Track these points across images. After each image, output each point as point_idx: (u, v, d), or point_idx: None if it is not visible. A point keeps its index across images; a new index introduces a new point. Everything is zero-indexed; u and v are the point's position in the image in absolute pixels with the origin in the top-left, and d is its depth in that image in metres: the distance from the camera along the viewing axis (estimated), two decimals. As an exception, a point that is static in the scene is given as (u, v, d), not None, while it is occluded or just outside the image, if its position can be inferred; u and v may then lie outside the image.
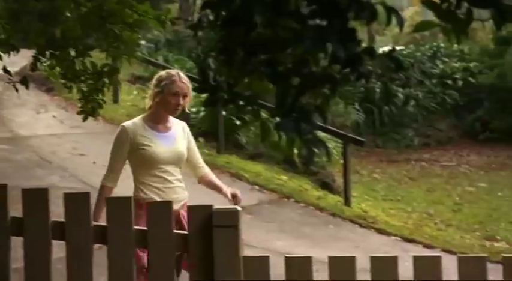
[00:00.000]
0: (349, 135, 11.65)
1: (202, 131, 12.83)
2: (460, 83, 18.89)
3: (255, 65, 1.77)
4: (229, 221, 3.01)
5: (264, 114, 11.70)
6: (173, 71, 4.84)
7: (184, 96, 4.68)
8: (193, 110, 12.84)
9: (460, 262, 2.98)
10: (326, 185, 11.87)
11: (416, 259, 3.02)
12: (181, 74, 4.78)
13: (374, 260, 3.05)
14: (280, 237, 8.75)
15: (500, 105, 18.27)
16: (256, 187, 10.55)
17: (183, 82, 4.72)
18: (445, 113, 18.79)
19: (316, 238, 8.94)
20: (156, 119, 4.72)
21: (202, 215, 3.07)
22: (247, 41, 1.74)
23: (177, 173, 4.71)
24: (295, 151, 11.96)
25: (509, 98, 18.10)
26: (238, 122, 12.47)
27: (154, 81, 4.79)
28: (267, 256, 3.10)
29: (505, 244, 9.98)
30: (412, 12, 21.51)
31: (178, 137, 4.75)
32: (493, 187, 14.33)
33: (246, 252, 3.19)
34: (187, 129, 4.89)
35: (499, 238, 10.38)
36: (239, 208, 3.10)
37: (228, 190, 4.76)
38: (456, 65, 19.27)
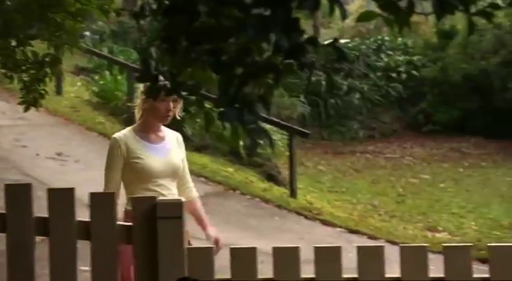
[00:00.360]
0: (295, 127, 11.72)
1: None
2: (404, 76, 19.11)
3: (198, 54, 1.77)
4: (173, 212, 3.00)
5: (207, 105, 11.67)
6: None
7: (174, 101, 4.35)
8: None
9: (402, 251, 3.01)
10: (272, 177, 11.92)
11: (360, 249, 3.05)
12: None
13: (318, 250, 3.07)
14: (226, 229, 8.75)
15: (443, 98, 18.55)
16: (202, 179, 10.53)
17: None
18: (389, 106, 19.00)
19: (261, 229, 8.98)
20: (146, 129, 4.41)
21: (146, 206, 3.05)
22: (190, 30, 1.73)
23: (173, 187, 4.41)
24: (241, 142, 11.97)
25: (451, 91, 18.39)
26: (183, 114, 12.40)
27: (141, 87, 4.44)
28: (211, 247, 3.10)
29: (447, 235, 10.15)
30: (357, 5, 21.67)
31: (172, 148, 4.44)
32: (436, 178, 14.55)
33: (192, 244, 3.18)
34: (181, 141, 4.57)
35: (440, 228, 10.55)
36: (183, 199, 3.09)
37: (212, 232, 4.45)
38: (400, 58, 19.49)
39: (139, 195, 4.14)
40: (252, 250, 3.08)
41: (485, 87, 17.71)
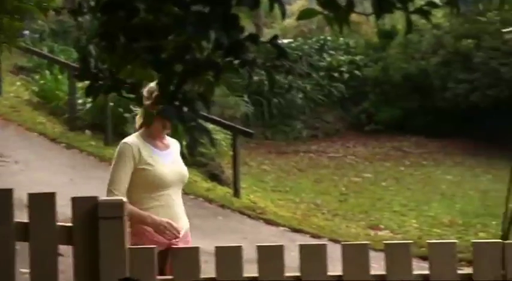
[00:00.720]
0: (238, 127, 11.72)
1: (89, 123, 12.61)
2: (346, 75, 19.27)
3: (137, 52, 1.75)
4: (114, 212, 2.97)
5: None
6: None
7: None
8: (80, 101, 12.60)
9: (343, 249, 3.03)
10: (215, 177, 11.89)
11: (302, 248, 3.06)
12: None
13: (260, 249, 3.07)
14: (169, 229, 8.70)
15: (384, 97, 18.77)
16: (145, 179, 10.44)
17: None
18: (332, 105, 19.15)
19: (205, 229, 8.95)
20: (153, 135, 4.26)
21: (87, 206, 3.01)
22: (129, 27, 1.71)
23: (179, 196, 4.30)
24: (184, 142, 11.92)
25: (393, 91, 18.62)
26: (126, 114, 12.31)
27: (144, 93, 4.24)
28: (153, 247, 3.08)
29: (389, 233, 10.26)
30: (299, 5, 21.78)
31: (177, 156, 4.37)
32: (378, 177, 14.71)
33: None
34: (179, 148, 4.49)
35: (382, 226, 10.66)
36: (125, 200, 3.06)
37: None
38: (342, 58, 19.64)
39: (146, 206, 4.07)
40: (195, 250, 3.06)
41: (425, 87, 17.98)
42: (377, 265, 3.14)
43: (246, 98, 17.22)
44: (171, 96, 1.70)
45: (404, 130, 18.13)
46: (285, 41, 18.72)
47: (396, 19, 17.52)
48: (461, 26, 17.34)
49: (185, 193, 10.52)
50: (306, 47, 19.46)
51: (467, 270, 3.01)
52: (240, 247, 3.09)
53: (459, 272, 2.97)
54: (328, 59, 19.52)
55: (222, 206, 10.11)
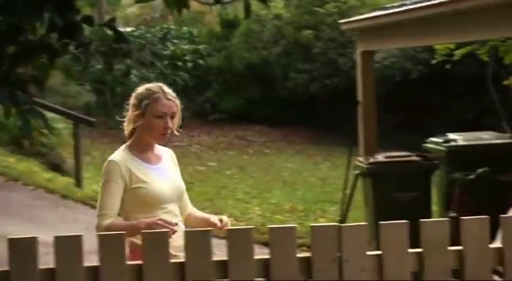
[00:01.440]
0: (79, 115, 11.52)
1: None
2: (190, 64, 19.32)
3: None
4: None
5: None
6: (154, 86, 3.91)
7: (172, 117, 3.90)
8: None
9: (186, 236, 3.04)
10: (57, 167, 11.64)
11: (145, 236, 3.05)
12: (166, 89, 3.94)
13: (101, 238, 3.04)
14: (7, 221, 8.46)
15: (227, 86, 18.98)
16: (-20, 170, 10.07)
17: (169, 99, 3.93)
18: (176, 94, 19.10)
19: (46, 220, 8.75)
20: (141, 147, 3.85)
21: None
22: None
23: (178, 212, 3.88)
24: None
25: (236, 80, 18.85)
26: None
27: (132, 100, 3.87)
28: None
29: (233, 220, 10.38)
30: (143, -7, 21.58)
31: (170, 168, 3.95)
32: (222, 165, 14.87)
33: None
34: (175, 158, 4.07)
35: (226, 214, 10.80)
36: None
37: (214, 218, 3.92)
38: (186, 47, 19.66)
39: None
40: (33, 240, 2.97)
41: (267, 77, 18.33)
42: (220, 251, 3.17)
43: (87, 86, 16.89)
44: (3, 78, 1.63)
45: (248, 119, 18.41)
46: (128, 29, 18.51)
47: (239, 9, 17.72)
48: (301, 17, 17.78)
49: (24, 183, 10.26)
50: (149, 36, 19.33)
51: (307, 254, 3.09)
52: (80, 236, 3.03)
53: (298, 255, 3.04)
54: (172, 48, 19.48)
55: (64, 196, 9.91)
